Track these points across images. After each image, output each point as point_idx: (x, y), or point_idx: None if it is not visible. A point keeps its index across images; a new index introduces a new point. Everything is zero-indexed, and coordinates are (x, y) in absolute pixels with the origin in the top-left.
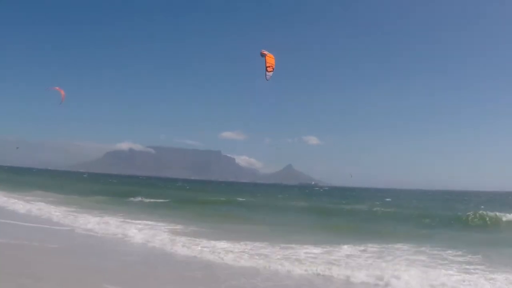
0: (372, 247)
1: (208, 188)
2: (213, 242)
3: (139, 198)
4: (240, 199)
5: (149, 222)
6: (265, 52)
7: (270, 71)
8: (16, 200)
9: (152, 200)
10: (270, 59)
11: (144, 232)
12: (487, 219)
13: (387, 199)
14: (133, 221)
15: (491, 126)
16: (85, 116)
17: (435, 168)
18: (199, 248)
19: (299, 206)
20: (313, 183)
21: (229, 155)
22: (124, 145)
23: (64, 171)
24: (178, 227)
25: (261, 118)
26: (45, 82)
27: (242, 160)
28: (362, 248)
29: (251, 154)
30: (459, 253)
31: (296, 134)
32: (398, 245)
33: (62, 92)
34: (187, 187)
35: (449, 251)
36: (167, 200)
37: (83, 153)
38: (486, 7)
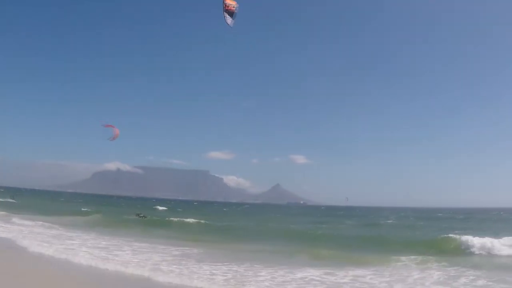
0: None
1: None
2: None
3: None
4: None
5: None
6: None
7: (231, 10)
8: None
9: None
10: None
11: None
12: (452, 245)
13: (348, 221)
14: None
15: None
16: (72, 135)
17: (425, 187)
18: None
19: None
20: (302, 202)
21: (217, 175)
22: (112, 165)
23: (53, 191)
24: None
25: (248, 137)
26: (32, 98)
27: (230, 180)
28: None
29: (239, 174)
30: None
31: (283, 153)
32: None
33: (117, 131)
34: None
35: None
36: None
37: (71, 173)
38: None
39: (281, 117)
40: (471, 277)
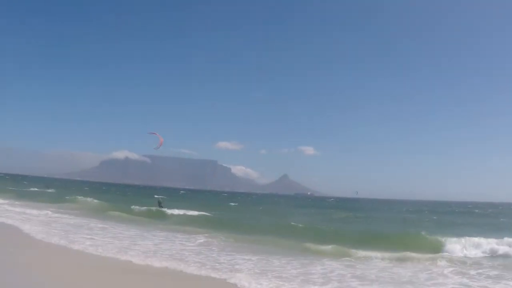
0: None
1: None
2: None
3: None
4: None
5: None
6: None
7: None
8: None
9: None
10: None
11: None
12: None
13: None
14: None
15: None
16: (81, 124)
17: (430, 180)
18: None
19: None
20: (309, 193)
21: (225, 165)
22: (120, 154)
23: (62, 179)
24: None
25: (257, 128)
26: (41, 87)
27: (238, 170)
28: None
29: (247, 164)
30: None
31: (292, 144)
32: None
33: (161, 140)
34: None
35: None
36: None
37: (79, 161)
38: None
39: (290, 108)
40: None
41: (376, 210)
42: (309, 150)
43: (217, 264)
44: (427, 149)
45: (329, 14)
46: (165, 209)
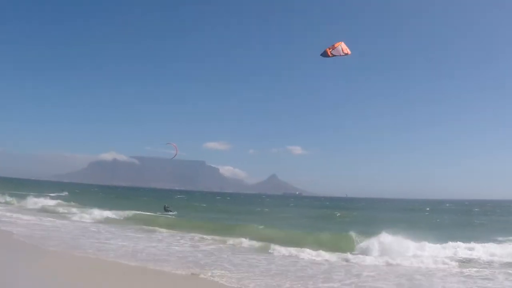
0: None
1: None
2: None
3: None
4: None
5: None
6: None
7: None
8: None
9: None
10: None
11: None
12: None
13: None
14: None
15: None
16: (69, 126)
17: (420, 180)
18: None
19: None
20: (297, 193)
21: (213, 165)
22: (108, 155)
23: (51, 182)
24: None
25: (245, 128)
26: (30, 89)
27: (226, 170)
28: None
29: (236, 164)
30: None
31: (280, 144)
32: None
33: (177, 151)
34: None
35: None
36: None
37: (67, 163)
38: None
39: (279, 107)
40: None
41: (362, 209)
42: (297, 150)
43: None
44: (414, 147)
45: (314, 13)
46: (173, 213)
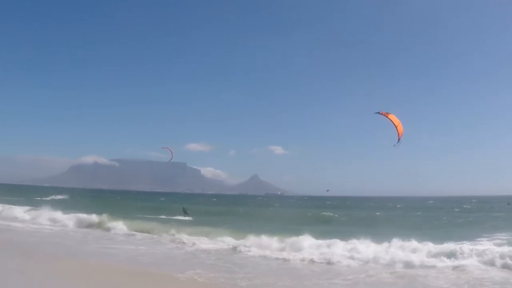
0: None
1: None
2: None
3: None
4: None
5: None
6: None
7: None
8: None
9: None
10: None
11: None
12: None
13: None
14: None
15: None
16: (49, 129)
17: (403, 177)
18: None
19: None
20: (279, 193)
21: (194, 166)
22: (89, 159)
23: (33, 186)
24: None
25: (226, 128)
26: (8, 90)
27: (207, 171)
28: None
29: (217, 165)
30: None
31: (261, 144)
32: None
33: (172, 154)
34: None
35: None
36: None
37: (47, 167)
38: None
39: (259, 107)
40: None
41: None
42: (278, 150)
43: None
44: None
45: (296, 13)
46: (190, 218)
